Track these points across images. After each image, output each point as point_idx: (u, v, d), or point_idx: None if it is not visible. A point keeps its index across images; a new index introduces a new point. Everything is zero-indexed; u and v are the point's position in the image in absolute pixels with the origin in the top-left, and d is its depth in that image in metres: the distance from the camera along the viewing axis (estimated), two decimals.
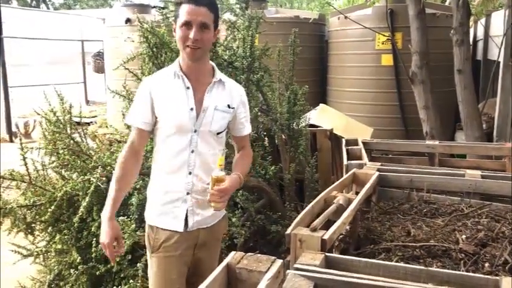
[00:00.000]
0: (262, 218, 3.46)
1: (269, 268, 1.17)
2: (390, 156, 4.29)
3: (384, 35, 5.79)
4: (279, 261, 1.21)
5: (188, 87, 1.96)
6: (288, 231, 1.60)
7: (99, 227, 2.74)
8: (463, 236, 1.94)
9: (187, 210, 1.98)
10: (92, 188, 2.76)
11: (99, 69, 10.72)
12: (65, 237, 2.91)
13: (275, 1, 18.61)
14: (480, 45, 6.55)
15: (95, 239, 2.76)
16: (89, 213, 2.81)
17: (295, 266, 1.37)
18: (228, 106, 2.02)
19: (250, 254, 1.22)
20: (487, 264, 1.70)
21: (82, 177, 2.90)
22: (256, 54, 3.42)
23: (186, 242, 2.00)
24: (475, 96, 4.68)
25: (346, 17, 5.95)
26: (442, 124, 5.03)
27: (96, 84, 12.47)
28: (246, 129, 2.15)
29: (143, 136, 1.99)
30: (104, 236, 1.93)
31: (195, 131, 1.96)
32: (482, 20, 6.35)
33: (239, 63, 3.39)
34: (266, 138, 3.92)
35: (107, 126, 7.61)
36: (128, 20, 7.04)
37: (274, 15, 6.94)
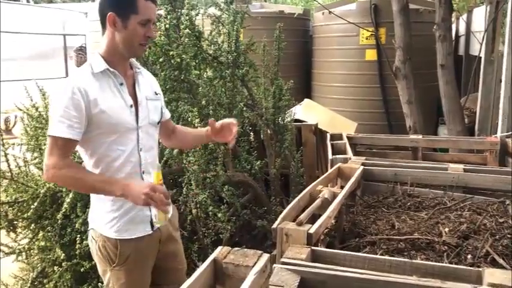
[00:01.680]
0: (248, 212, 3.47)
1: (256, 262, 1.17)
2: (374, 150, 4.33)
3: (368, 30, 5.83)
4: (266, 256, 1.22)
5: (122, 84, 1.81)
6: (275, 225, 1.61)
7: (83, 224, 2.73)
8: (446, 229, 1.97)
9: (150, 210, 1.85)
10: None
11: (82, 63, 10.53)
12: (49, 234, 2.87)
13: None
14: (462, 40, 6.63)
15: (79, 235, 2.73)
16: (73, 209, 2.78)
17: (282, 260, 1.38)
18: (155, 93, 1.98)
19: (236, 248, 1.23)
20: (469, 256, 1.73)
21: None
22: (241, 49, 3.41)
23: (153, 242, 1.92)
24: (457, 91, 4.75)
25: (330, 12, 5.97)
26: (424, 118, 5.10)
27: None
28: (167, 111, 2.13)
29: (73, 147, 1.75)
30: (140, 188, 1.64)
31: (139, 128, 1.85)
32: (464, 16, 6.43)
33: (224, 58, 3.38)
34: (251, 133, 3.92)
35: None
36: None
37: (259, 9, 6.92)
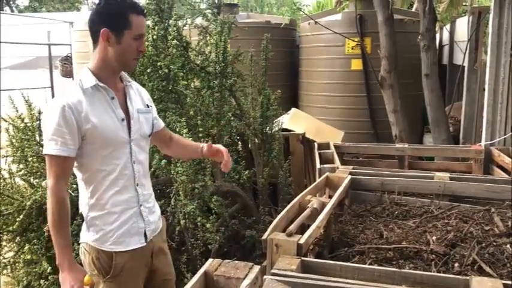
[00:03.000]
0: (236, 223, 3.46)
1: (247, 275, 1.17)
2: (360, 159, 4.37)
3: (354, 40, 5.90)
4: (257, 267, 1.22)
5: (113, 98, 1.82)
6: (264, 236, 1.61)
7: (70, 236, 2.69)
8: (434, 237, 2.00)
9: (144, 222, 1.90)
10: None
11: (67, 73, 10.46)
12: (35, 247, 2.83)
13: (245, 6, 18.67)
14: (446, 50, 6.74)
15: None
16: None
17: (272, 271, 1.38)
18: (147, 105, 1.99)
19: (227, 260, 1.22)
20: (456, 264, 1.76)
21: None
22: (229, 60, 3.42)
23: (145, 254, 1.93)
24: (442, 100, 4.82)
25: (316, 22, 6.03)
26: (410, 127, 5.16)
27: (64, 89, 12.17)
28: (161, 121, 2.14)
29: (71, 164, 1.76)
30: (72, 281, 1.71)
31: (132, 141, 1.86)
32: (448, 26, 6.55)
33: (212, 68, 3.39)
34: (239, 143, 3.93)
35: None
36: None
37: (246, 20, 6.97)
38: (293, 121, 4.75)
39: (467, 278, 1.34)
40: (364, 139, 5.66)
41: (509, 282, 1.32)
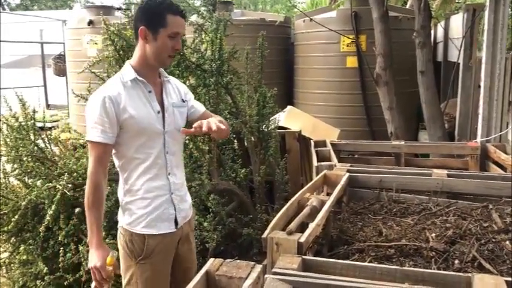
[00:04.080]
0: (233, 221, 3.45)
1: (249, 274, 1.16)
2: (356, 156, 4.37)
3: (349, 38, 5.89)
4: (259, 267, 1.21)
5: (150, 91, 1.97)
6: (264, 235, 1.60)
7: (66, 236, 2.68)
8: (433, 234, 1.99)
9: (175, 209, 2.04)
10: (58, 195, 2.68)
11: (60, 72, 10.40)
12: (30, 247, 2.81)
13: (239, 3, 18.63)
14: (440, 47, 6.75)
15: (62, 248, 2.68)
16: (55, 221, 2.73)
17: (274, 270, 1.37)
18: (182, 100, 2.11)
19: (229, 260, 1.21)
20: (456, 261, 1.75)
21: (47, 184, 2.80)
22: (225, 57, 3.40)
23: (174, 240, 2.06)
24: (437, 97, 4.83)
25: (311, 20, 6.02)
26: (405, 124, 5.16)
27: (57, 88, 12.11)
28: (201, 106, 2.23)
29: (109, 151, 1.93)
30: (96, 259, 1.87)
31: (166, 133, 1.99)
32: (442, 23, 6.56)
33: (208, 66, 3.37)
34: (236, 141, 3.91)
35: (69, 131, 7.39)
36: (91, 22, 6.86)
37: (240, 17, 6.94)
38: (289, 119, 4.74)
39: (469, 275, 1.34)
40: (360, 136, 5.66)
41: (510, 279, 1.32)
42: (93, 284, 1.94)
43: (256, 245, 3.60)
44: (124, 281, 2.05)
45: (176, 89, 2.12)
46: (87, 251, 2.59)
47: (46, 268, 2.71)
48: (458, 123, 4.99)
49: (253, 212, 3.63)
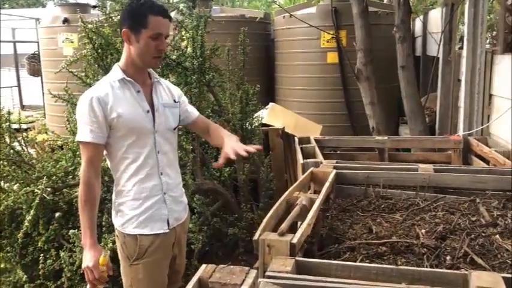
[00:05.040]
0: (218, 221, 3.40)
1: (244, 280, 1.11)
2: (339, 152, 4.36)
3: (329, 33, 5.88)
4: (253, 272, 1.16)
5: (139, 91, 1.98)
6: (256, 236, 1.56)
7: (46, 242, 2.59)
8: (423, 231, 1.98)
9: (167, 210, 2.04)
10: (37, 200, 2.58)
11: (35, 71, 10.13)
12: (8, 254, 2.70)
13: (217, 0, 18.50)
14: (419, 41, 6.81)
15: (42, 254, 2.58)
16: (34, 227, 2.63)
17: (267, 274, 1.32)
18: (174, 101, 2.12)
19: (222, 266, 1.16)
20: (448, 257, 1.74)
21: (25, 189, 2.70)
22: (206, 54, 3.34)
23: (168, 241, 2.05)
24: (418, 91, 4.85)
25: (291, 16, 5.99)
26: (386, 119, 5.18)
27: (31, 88, 11.80)
28: (195, 110, 2.27)
29: (100, 151, 1.94)
30: (89, 259, 1.87)
31: (156, 132, 1.99)
32: (420, 17, 6.61)
33: (189, 63, 3.30)
34: None
35: (46, 132, 7.19)
36: (66, 20, 6.69)
37: (219, 14, 6.87)
38: (271, 116, 4.70)
39: (466, 272, 1.32)
40: (342, 132, 5.66)
41: (507, 275, 1.30)
42: (88, 286, 1.93)
43: (242, 245, 3.56)
44: (125, 285, 2.05)
45: (168, 90, 2.12)
46: (69, 257, 2.53)
47: (26, 276, 2.62)
48: (438, 117, 5.04)
49: (238, 211, 3.59)
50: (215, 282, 1.11)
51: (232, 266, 1.17)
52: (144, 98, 1.99)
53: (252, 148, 2.00)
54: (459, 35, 5.38)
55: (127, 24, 1.90)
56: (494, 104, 3.61)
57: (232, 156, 1.96)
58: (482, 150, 3.30)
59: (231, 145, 1.99)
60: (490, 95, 3.67)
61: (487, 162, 3.25)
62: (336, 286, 1.27)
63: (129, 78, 1.95)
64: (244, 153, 1.95)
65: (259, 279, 1.27)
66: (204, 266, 1.16)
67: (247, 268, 1.16)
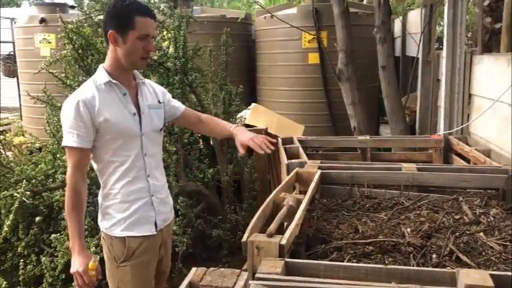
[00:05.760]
0: (202, 222, 3.38)
1: (235, 283, 1.10)
2: (321, 152, 4.37)
3: (310, 34, 5.90)
4: (245, 274, 1.15)
5: (125, 94, 1.96)
6: (244, 238, 1.54)
7: (26, 247, 2.52)
8: (408, 229, 2.00)
9: (155, 212, 2.04)
10: (16, 204, 2.52)
11: (11, 72, 9.89)
12: None
13: (197, 0, 18.42)
14: (398, 42, 6.90)
15: (22, 260, 2.52)
16: (14, 232, 2.56)
17: (257, 276, 1.31)
18: (158, 101, 2.11)
19: (213, 268, 1.15)
20: (434, 256, 1.76)
21: (3, 193, 2.63)
22: (189, 55, 3.31)
23: (156, 243, 2.06)
24: (398, 91, 4.91)
25: (272, 16, 5.99)
26: (367, 119, 5.22)
27: (6, 89, 11.52)
28: (181, 104, 2.28)
29: (87, 155, 1.93)
30: (78, 264, 1.87)
31: (143, 135, 1.99)
32: (400, 18, 6.69)
33: (171, 64, 3.26)
34: (201, 141, 3.83)
35: (23, 134, 7.03)
36: (43, 20, 6.55)
37: (200, 14, 6.83)
38: (253, 116, 4.69)
39: (454, 271, 1.33)
40: (323, 132, 5.69)
41: (495, 272, 1.32)
42: None
43: (226, 246, 3.54)
44: None
45: (152, 90, 2.11)
46: (50, 261, 2.48)
47: (5, 282, 2.55)
48: (418, 116, 5.11)
49: (222, 213, 3.57)
50: (206, 285, 1.10)
51: (223, 269, 1.15)
52: (130, 101, 1.98)
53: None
54: (437, 36, 5.46)
55: (113, 26, 1.88)
56: (474, 103, 3.67)
57: (252, 145, 2.14)
58: (462, 149, 3.36)
59: (248, 134, 2.16)
60: (470, 95, 3.73)
61: (467, 160, 3.31)
62: (328, 287, 1.26)
63: (115, 81, 1.93)
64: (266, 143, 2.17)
65: (250, 282, 1.25)
66: (194, 269, 1.14)
67: (238, 270, 1.15)
